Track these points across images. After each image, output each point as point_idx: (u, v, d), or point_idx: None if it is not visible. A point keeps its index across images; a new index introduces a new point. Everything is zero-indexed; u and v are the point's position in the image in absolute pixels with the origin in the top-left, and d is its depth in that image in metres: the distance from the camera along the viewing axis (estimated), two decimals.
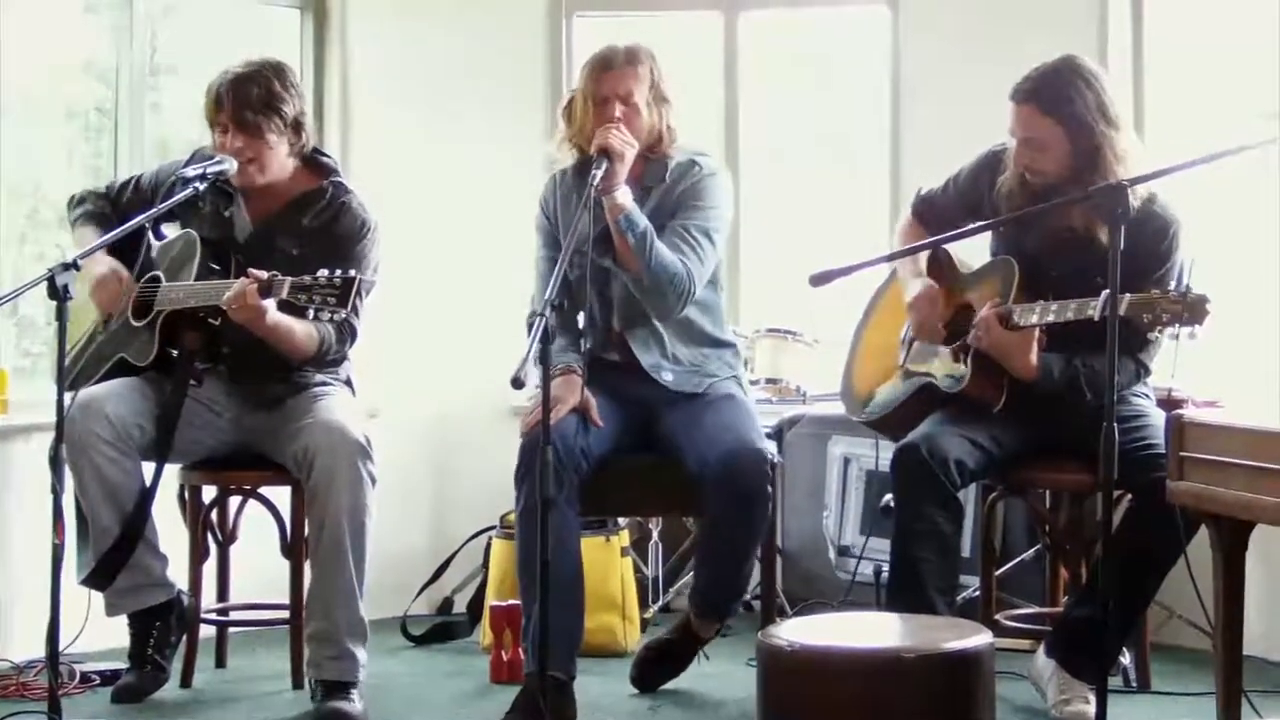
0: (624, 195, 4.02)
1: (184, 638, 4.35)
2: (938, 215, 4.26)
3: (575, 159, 4.21)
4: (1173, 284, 3.80)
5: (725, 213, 4.22)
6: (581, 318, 4.09)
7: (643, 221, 4.03)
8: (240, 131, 4.18)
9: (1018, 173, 4.03)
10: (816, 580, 5.27)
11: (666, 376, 4.15)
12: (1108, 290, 3.30)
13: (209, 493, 4.41)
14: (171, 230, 4.41)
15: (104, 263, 4.27)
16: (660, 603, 5.28)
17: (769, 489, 3.98)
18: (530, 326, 4.19)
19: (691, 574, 5.20)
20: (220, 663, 4.66)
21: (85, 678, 4.38)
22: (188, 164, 4.26)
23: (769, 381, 5.44)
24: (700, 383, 4.17)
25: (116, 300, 4.27)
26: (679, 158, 4.19)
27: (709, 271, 4.15)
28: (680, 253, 4.07)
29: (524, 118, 5.45)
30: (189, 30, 5.64)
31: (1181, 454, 3.39)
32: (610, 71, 4.10)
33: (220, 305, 4.00)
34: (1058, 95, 3.90)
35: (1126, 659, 4.29)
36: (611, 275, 4.13)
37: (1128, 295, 3.47)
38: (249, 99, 4.16)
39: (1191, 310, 3.39)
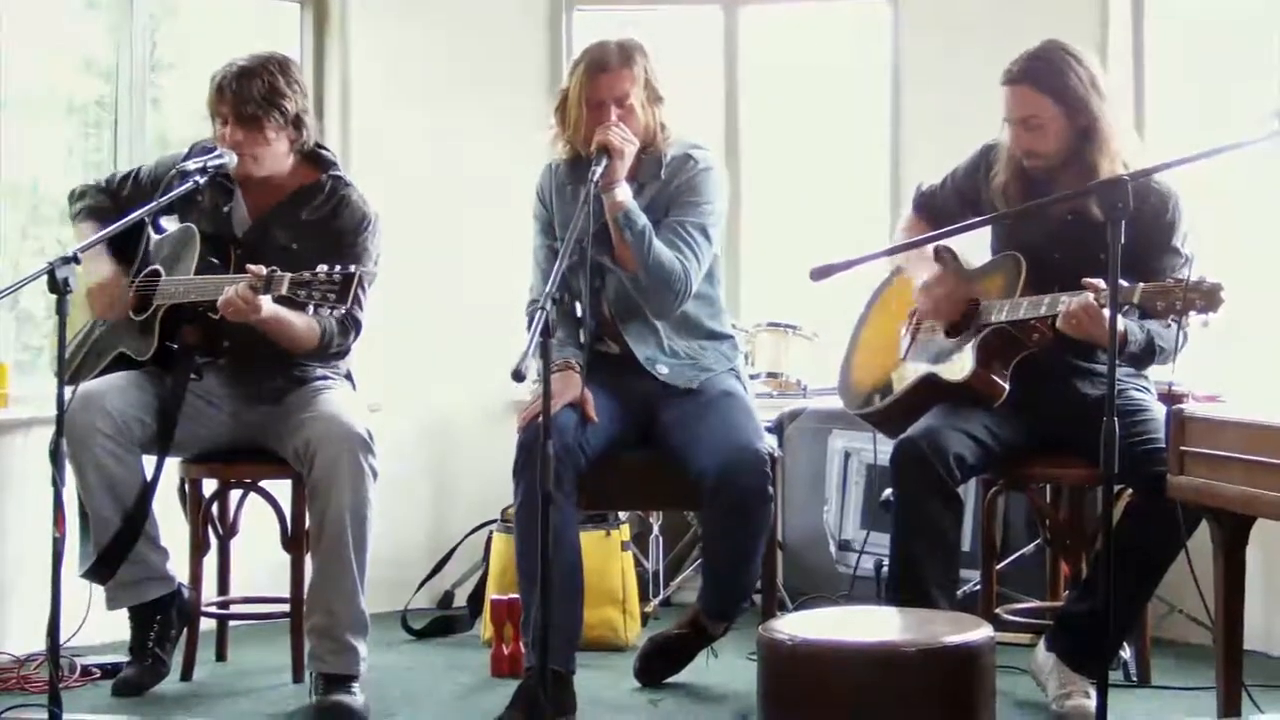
0: (624, 192, 4.02)
1: (184, 631, 4.35)
2: (938, 211, 4.26)
3: (569, 155, 4.20)
4: (1184, 250, 3.86)
5: (721, 206, 4.21)
6: (579, 308, 4.08)
7: (641, 219, 4.02)
8: (239, 125, 4.17)
9: (1014, 161, 4.04)
10: (817, 574, 5.27)
11: (662, 370, 4.15)
12: (1120, 281, 3.32)
13: (210, 486, 4.41)
14: (171, 224, 4.41)
15: (103, 266, 4.26)
16: (661, 596, 5.29)
17: (769, 490, 3.98)
18: (530, 317, 4.19)
19: (692, 569, 5.22)
20: (221, 656, 4.66)
21: (86, 671, 4.39)
22: (186, 157, 4.25)
23: (769, 375, 5.44)
24: (696, 377, 4.16)
25: (112, 308, 4.28)
26: (674, 150, 4.17)
27: (705, 269, 4.14)
28: (677, 250, 4.06)
29: (524, 113, 5.43)
30: (189, 26, 5.64)
31: (1182, 448, 3.39)
32: (604, 74, 4.07)
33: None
34: (1051, 71, 3.93)
35: (1127, 653, 4.29)
36: (608, 270, 4.12)
37: (1140, 284, 3.49)
38: (250, 93, 4.15)
39: (1206, 298, 3.40)
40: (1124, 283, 3.48)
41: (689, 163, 4.17)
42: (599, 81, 4.07)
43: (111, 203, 4.42)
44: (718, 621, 4.27)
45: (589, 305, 4.12)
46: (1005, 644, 4.05)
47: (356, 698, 4.02)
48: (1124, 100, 4.12)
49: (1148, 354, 3.87)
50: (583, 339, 4.12)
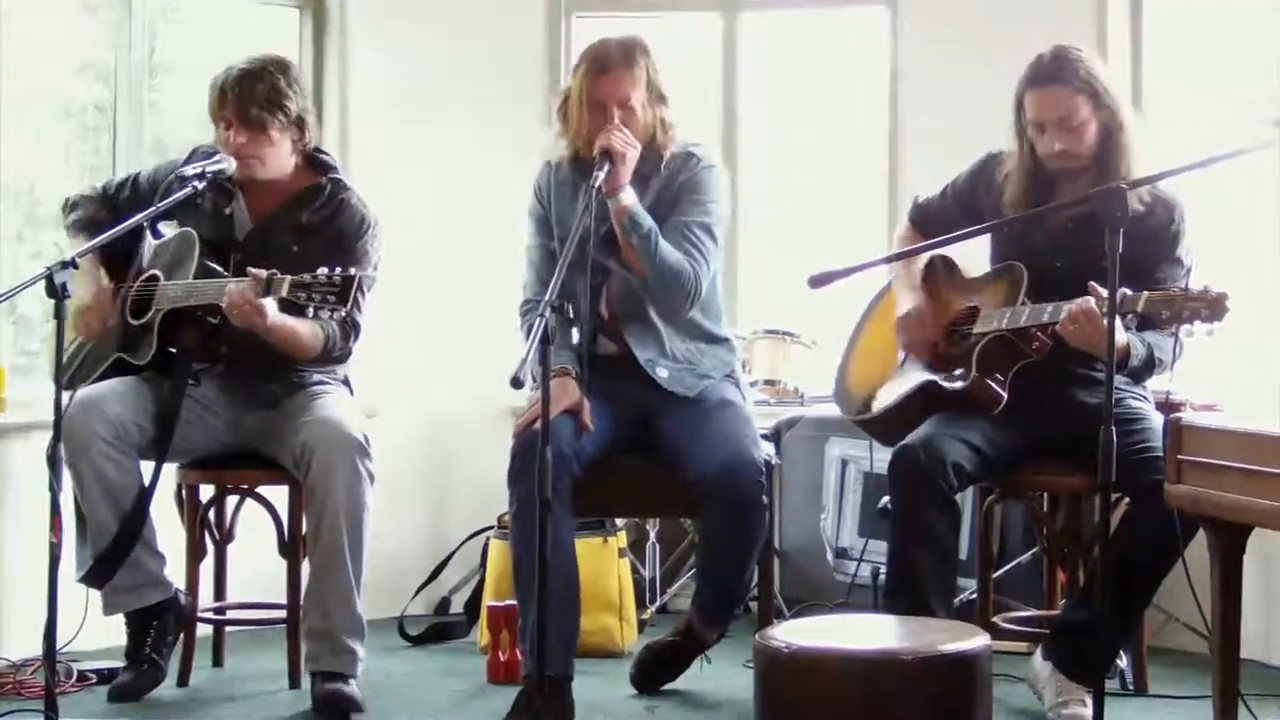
0: (628, 196, 4.01)
1: (181, 636, 4.35)
2: (936, 222, 4.25)
3: (571, 155, 4.19)
4: (1185, 260, 3.87)
5: (724, 205, 4.21)
6: (571, 308, 4.07)
7: (647, 222, 4.02)
8: (244, 127, 4.18)
9: (1025, 171, 4.01)
10: (814, 582, 5.27)
11: (661, 373, 4.13)
12: (1124, 289, 3.34)
13: (207, 491, 4.41)
14: (170, 229, 4.41)
15: (90, 285, 4.25)
16: (658, 604, 5.28)
17: (764, 499, 3.98)
18: (524, 316, 4.19)
19: (688, 576, 5.21)
20: (217, 662, 4.66)
21: (82, 676, 4.38)
22: (186, 162, 4.26)
23: (767, 383, 5.43)
24: (695, 384, 4.15)
25: (96, 335, 4.29)
26: (674, 148, 4.17)
27: (713, 269, 4.15)
28: (684, 252, 4.06)
29: (523, 119, 5.45)
30: (188, 29, 5.64)
31: (1179, 457, 3.39)
32: (606, 76, 4.06)
33: (219, 305, 4.01)
34: (1076, 70, 3.93)
35: (1123, 662, 4.29)
36: (613, 272, 4.12)
37: (1145, 293, 3.49)
38: (253, 95, 4.15)
39: (1212, 307, 3.40)
40: (1129, 291, 3.49)
41: (691, 159, 4.17)
42: (600, 83, 4.07)
43: (107, 211, 4.41)
44: (710, 628, 4.26)
45: (589, 304, 4.11)
46: (1002, 652, 4.05)
47: (352, 687, 4.04)
48: (1123, 99, 4.12)
49: (1147, 367, 3.87)
50: (576, 339, 4.09)
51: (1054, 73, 3.95)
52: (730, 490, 3.93)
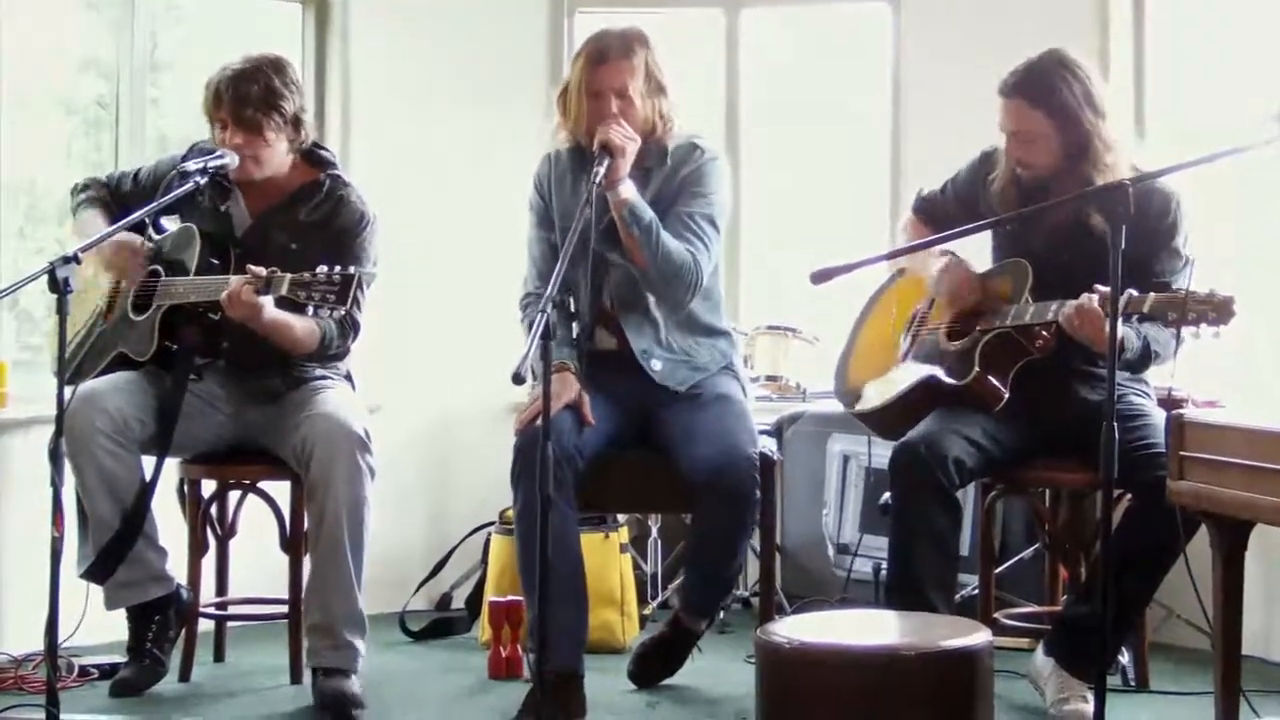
0: (628, 189, 4.01)
1: (182, 631, 4.35)
2: (938, 216, 4.26)
3: (570, 145, 4.19)
4: (1184, 251, 3.86)
5: (726, 197, 4.21)
6: (573, 303, 4.08)
7: (648, 214, 4.02)
8: (239, 128, 4.17)
9: (1009, 168, 4.04)
10: (815, 577, 5.27)
11: (655, 365, 4.14)
12: (1131, 291, 3.34)
13: (208, 486, 4.41)
14: (171, 224, 4.41)
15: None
16: (659, 599, 5.28)
17: (756, 493, 3.98)
18: (525, 308, 4.20)
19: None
20: (219, 657, 4.66)
21: (84, 671, 4.38)
22: (186, 158, 4.26)
23: (769, 378, 5.43)
24: (689, 377, 4.15)
25: (132, 266, 4.26)
26: (678, 141, 4.17)
27: (714, 259, 4.15)
28: (686, 242, 4.06)
29: (525, 115, 5.44)
30: (189, 26, 5.64)
31: (1181, 453, 3.39)
32: (604, 65, 4.07)
33: (220, 301, 4.01)
34: (1045, 87, 3.92)
35: (1125, 658, 4.29)
36: (610, 263, 4.12)
37: (1152, 295, 3.49)
38: (248, 96, 4.15)
39: (1218, 310, 3.39)
40: (1135, 292, 3.49)
41: (695, 152, 4.17)
42: (598, 72, 4.07)
43: (113, 198, 4.42)
44: (697, 618, 4.27)
45: (588, 299, 4.11)
46: (1003, 648, 4.05)
47: (354, 684, 4.03)
48: (1125, 103, 4.10)
49: (1142, 361, 3.87)
50: (576, 333, 4.10)
51: (1019, 86, 3.95)
52: (723, 483, 3.93)
